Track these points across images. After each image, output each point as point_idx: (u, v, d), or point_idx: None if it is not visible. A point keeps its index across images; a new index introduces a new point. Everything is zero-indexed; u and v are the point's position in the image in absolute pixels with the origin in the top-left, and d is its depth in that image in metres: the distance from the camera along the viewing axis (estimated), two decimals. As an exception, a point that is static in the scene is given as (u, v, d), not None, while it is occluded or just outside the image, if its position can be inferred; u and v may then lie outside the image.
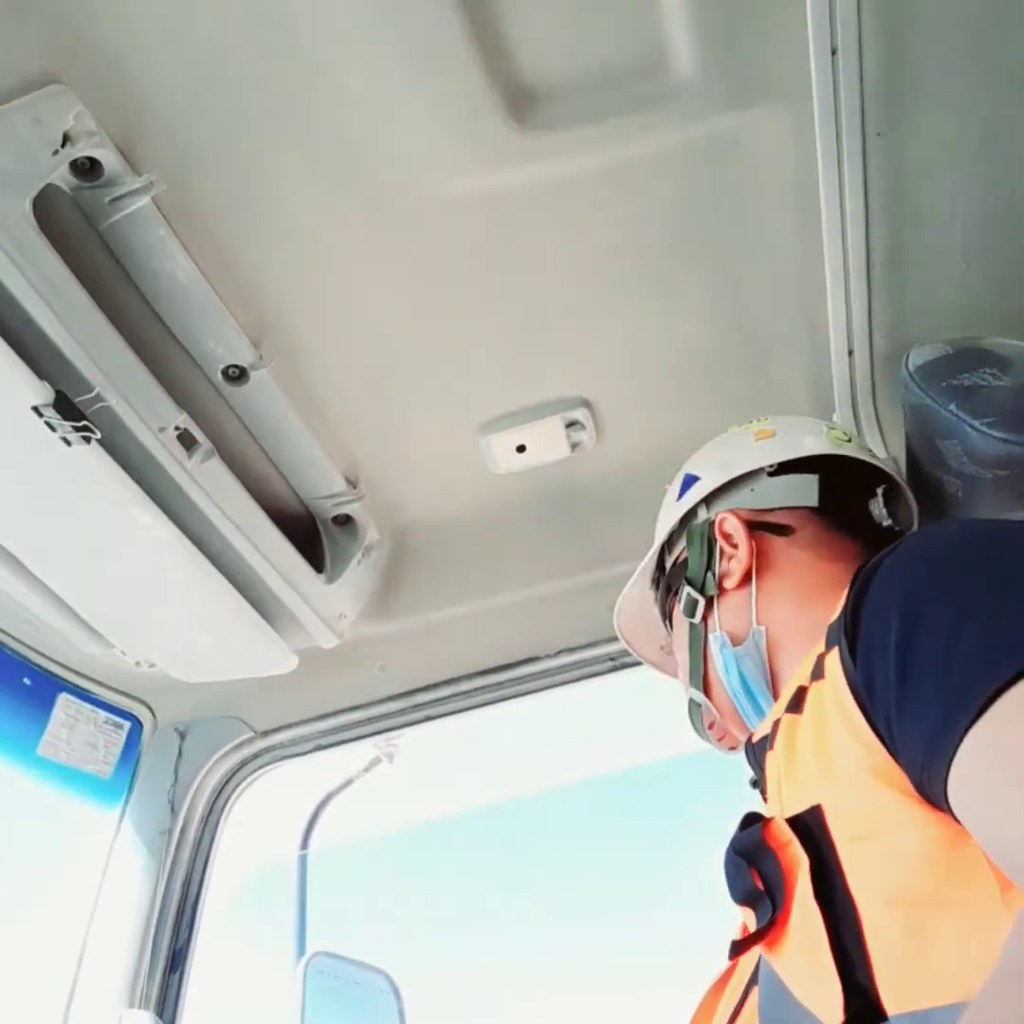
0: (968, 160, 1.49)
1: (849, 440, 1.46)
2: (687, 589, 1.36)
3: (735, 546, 1.34)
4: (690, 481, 1.48)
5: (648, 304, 1.69)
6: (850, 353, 1.67)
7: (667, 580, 1.46)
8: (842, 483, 1.39)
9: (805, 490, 1.39)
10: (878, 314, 1.62)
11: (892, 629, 0.87)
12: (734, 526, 1.35)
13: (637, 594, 1.56)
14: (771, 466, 1.41)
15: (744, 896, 0.99)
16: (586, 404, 1.84)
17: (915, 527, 1.45)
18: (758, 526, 1.35)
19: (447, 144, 1.41)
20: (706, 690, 1.36)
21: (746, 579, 1.31)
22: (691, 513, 1.45)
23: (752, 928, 0.96)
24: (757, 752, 1.16)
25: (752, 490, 1.41)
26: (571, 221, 1.54)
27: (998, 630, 0.80)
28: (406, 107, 1.35)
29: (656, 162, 1.47)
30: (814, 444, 1.42)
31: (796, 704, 1.05)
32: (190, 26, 1.22)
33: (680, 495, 1.48)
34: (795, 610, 1.25)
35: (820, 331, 1.66)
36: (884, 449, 1.73)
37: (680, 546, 1.44)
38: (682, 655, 1.40)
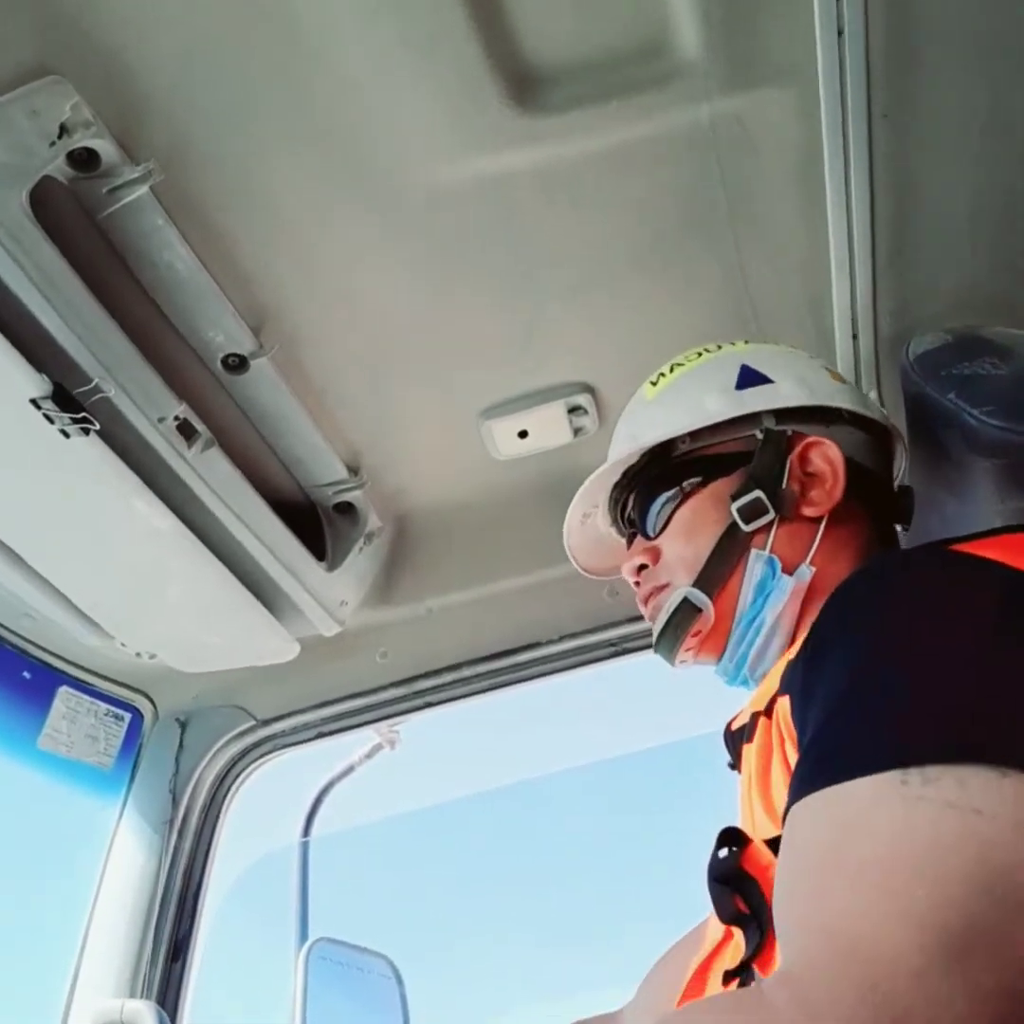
0: (974, 144, 1.48)
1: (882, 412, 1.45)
2: (758, 493, 1.27)
3: (809, 475, 1.29)
4: (755, 377, 1.38)
5: (651, 288, 1.67)
6: (855, 337, 1.66)
7: (683, 466, 1.35)
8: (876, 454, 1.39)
9: (870, 452, 1.37)
10: (883, 299, 1.61)
11: (817, 702, 0.89)
12: (828, 457, 1.29)
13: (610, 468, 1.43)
14: (849, 412, 1.36)
15: (731, 920, 0.99)
16: (588, 389, 1.83)
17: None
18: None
19: (447, 128, 1.39)
20: (713, 599, 1.28)
21: (820, 516, 1.27)
22: (752, 415, 1.34)
23: (741, 945, 0.97)
24: (735, 740, 1.16)
25: (827, 426, 1.34)
26: (573, 204, 1.52)
27: (850, 726, 0.82)
28: (405, 91, 1.34)
29: (659, 144, 1.46)
30: (873, 408, 1.40)
31: (754, 725, 1.08)
32: (185, 14, 1.21)
33: (740, 385, 1.37)
34: (848, 566, 1.22)
35: (825, 315, 1.65)
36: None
37: (717, 438, 1.34)
38: (689, 550, 1.31)
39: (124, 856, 2.04)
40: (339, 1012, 2.26)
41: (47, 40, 1.18)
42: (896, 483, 1.42)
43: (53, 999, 1.89)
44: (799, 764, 0.85)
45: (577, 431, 1.89)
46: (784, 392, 1.35)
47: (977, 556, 0.95)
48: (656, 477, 1.37)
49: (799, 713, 0.92)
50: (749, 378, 1.37)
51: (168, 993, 1.98)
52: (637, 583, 1.39)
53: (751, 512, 1.27)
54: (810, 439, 1.31)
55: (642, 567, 1.37)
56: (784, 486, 1.28)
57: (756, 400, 1.34)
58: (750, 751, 1.07)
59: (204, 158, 1.36)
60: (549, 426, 1.86)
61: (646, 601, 1.36)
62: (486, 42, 1.30)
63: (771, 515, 1.27)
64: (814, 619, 0.99)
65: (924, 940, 0.65)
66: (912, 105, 1.41)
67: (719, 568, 1.28)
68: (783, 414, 1.34)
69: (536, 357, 1.77)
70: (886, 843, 0.71)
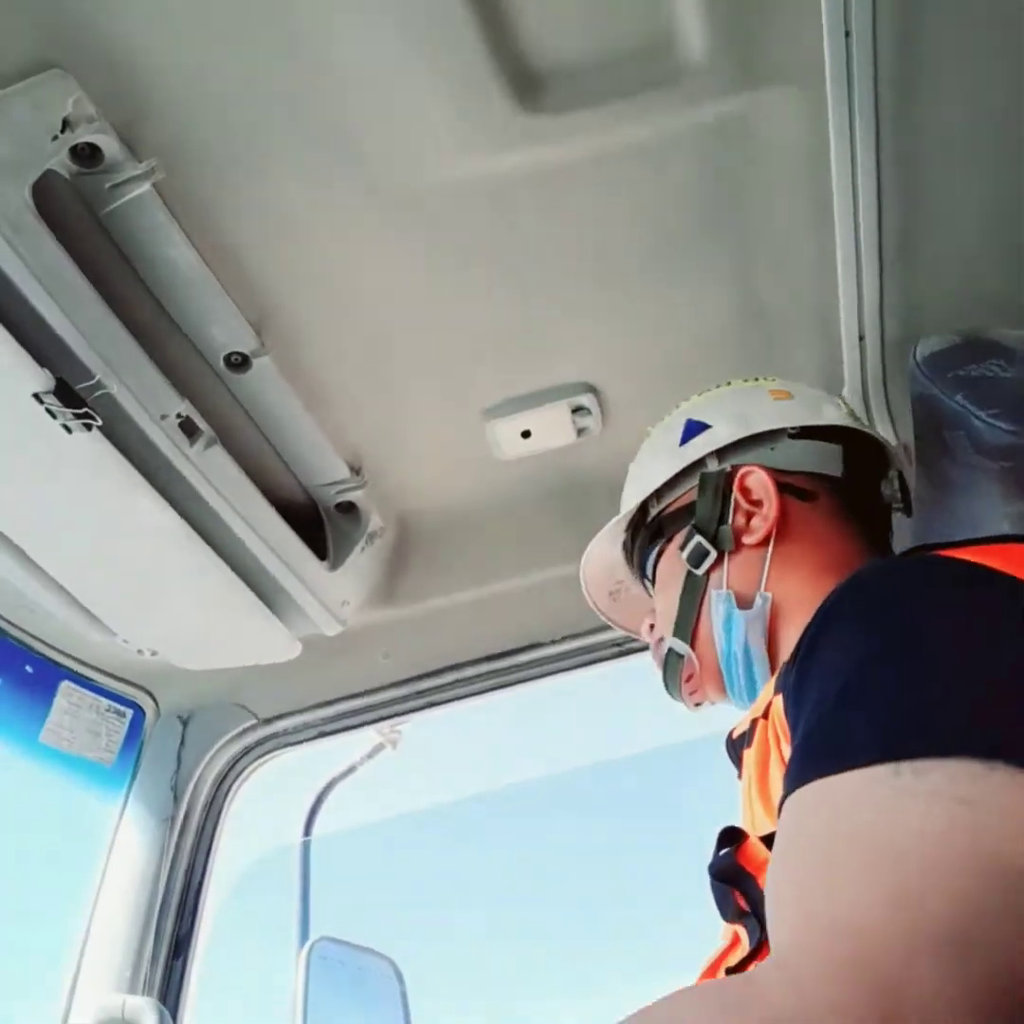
0: (981, 146, 1.47)
1: (857, 419, 1.44)
2: (699, 538, 1.33)
3: (755, 503, 1.31)
4: (696, 428, 1.43)
5: (655, 289, 1.67)
6: (861, 339, 1.65)
7: (656, 526, 1.43)
8: (854, 459, 1.37)
9: (829, 458, 1.36)
10: (890, 300, 1.60)
11: (810, 700, 0.89)
12: (761, 482, 1.32)
13: (607, 539, 1.52)
14: (794, 428, 1.38)
15: (733, 918, 1.01)
16: (592, 389, 1.83)
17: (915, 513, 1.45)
18: (782, 488, 1.32)
19: (451, 127, 1.39)
20: (691, 643, 1.34)
21: (765, 540, 1.29)
22: (698, 462, 1.40)
23: (744, 940, 0.97)
24: (736, 747, 1.17)
25: (772, 449, 1.37)
26: (577, 204, 1.51)
27: (843, 721, 0.81)
28: (409, 90, 1.33)
29: (664, 145, 1.45)
30: (834, 415, 1.40)
31: (753, 730, 1.09)
32: (188, 9, 1.20)
33: (683, 441, 1.44)
34: (804, 583, 1.24)
35: (831, 317, 1.65)
36: (895, 436, 1.72)
37: (676, 493, 1.41)
38: (667, 602, 1.37)
39: (126, 853, 2.05)
40: (340, 1012, 2.26)
41: (49, 33, 1.17)
42: (889, 481, 1.41)
43: (55, 995, 1.89)
44: (792, 758, 0.85)
45: (580, 431, 1.89)
46: (720, 433, 1.40)
47: (963, 560, 0.95)
48: (642, 540, 1.46)
49: (792, 710, 0.93)
50: (691, 430, 1.44)
51: (169, 990, 1.99)
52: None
53: (698, 556, 1.33)
54: (744, 470, 1.35)
55: (653, 625, 1.43)
56: (730, 522, 1.32)
57: (695, 450, 1.41)
58: (750, 755, 1.08)
59: (207, 156, 1.36)
60: (552, 426, 1.86)
61: (655, 657, 1.42)
62: (490, 42, 1.29)
63: (712, 554, 1.32)
64: (801, 630, 0.99)
65: (913, 925, 0.65)
66: (920, 107, 1.41)
67: (688, 614, 1.34)
68: (725, 452, 1.39)
69: (539, 357, 1.76)
70: (876, 833, 0.71)
